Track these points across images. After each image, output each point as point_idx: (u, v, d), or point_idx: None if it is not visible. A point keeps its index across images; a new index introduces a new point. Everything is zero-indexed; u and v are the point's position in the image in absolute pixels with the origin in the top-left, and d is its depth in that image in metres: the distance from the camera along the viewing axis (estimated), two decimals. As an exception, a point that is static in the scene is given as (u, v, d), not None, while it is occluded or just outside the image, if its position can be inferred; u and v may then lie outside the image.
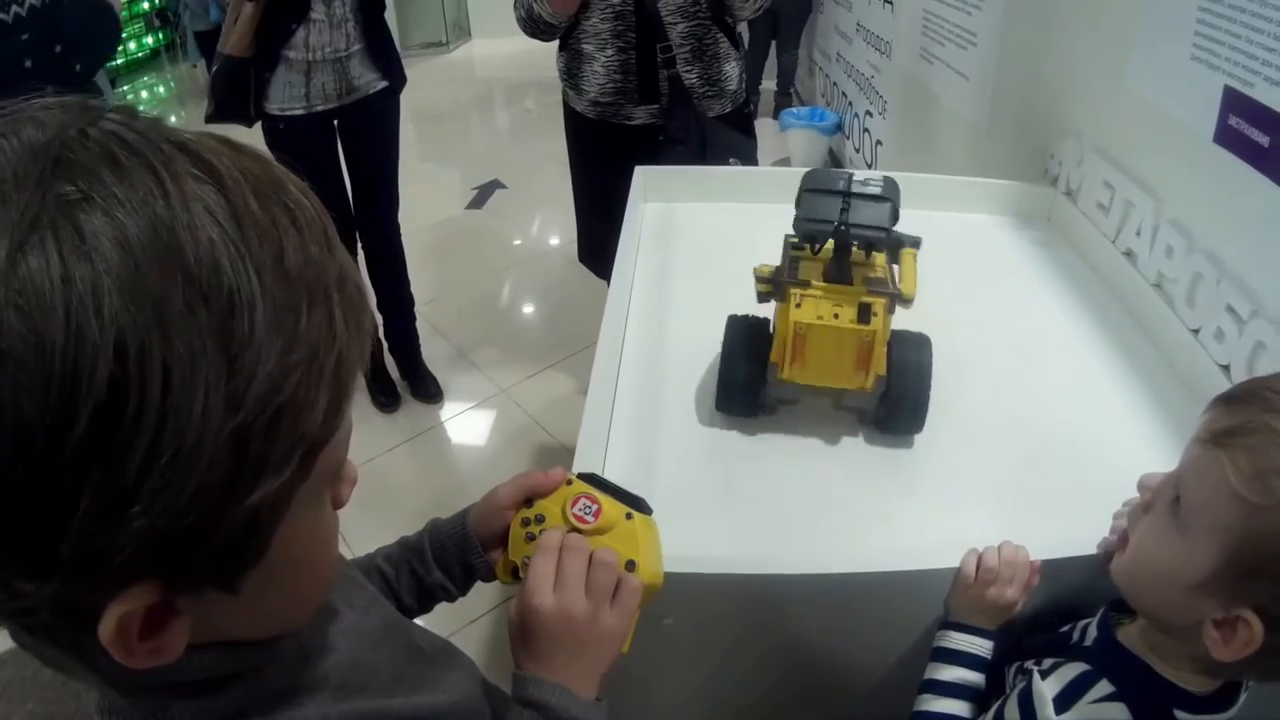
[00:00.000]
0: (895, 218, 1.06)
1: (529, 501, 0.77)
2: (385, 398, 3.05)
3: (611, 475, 0.79)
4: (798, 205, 1.06)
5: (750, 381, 1.11)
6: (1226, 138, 1.20)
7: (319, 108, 2.43)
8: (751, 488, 1.08)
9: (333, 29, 2.34)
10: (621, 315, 1.35)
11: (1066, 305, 1.43)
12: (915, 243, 1.16)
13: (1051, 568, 0.88)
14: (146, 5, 9.71)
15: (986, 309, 1.41)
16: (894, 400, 1.09)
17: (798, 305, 1.03)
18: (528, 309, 3.87)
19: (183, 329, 0.37)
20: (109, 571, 0.38)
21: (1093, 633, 0.82)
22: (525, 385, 3.14)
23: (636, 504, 0.75)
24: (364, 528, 2.57)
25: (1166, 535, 0.71)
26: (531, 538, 0.74)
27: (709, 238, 1.62)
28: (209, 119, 2.44)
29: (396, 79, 2.56)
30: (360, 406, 3.06)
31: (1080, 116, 1.63)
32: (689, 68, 2.15)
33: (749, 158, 2.25)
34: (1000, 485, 1.08)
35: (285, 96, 2.40)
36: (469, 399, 3.10)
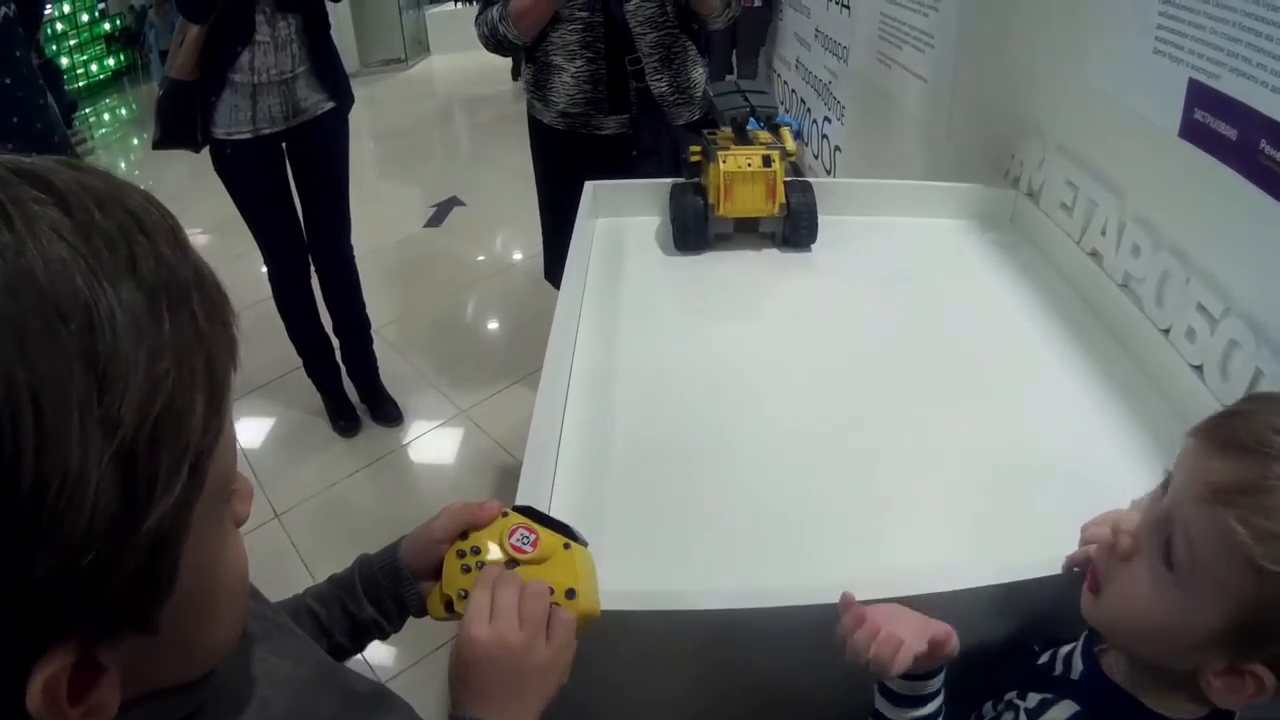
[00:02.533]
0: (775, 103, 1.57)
1: (464, 534, 0.75)
2: (344, 422, 2.99)
3: (559, 504, 0.76)
4: (713, 109, 1.67)
5: (697, 218, 1.57)
6: (1192, 132, 1.16)
7: (266, 131, 2.37)
8: (707, 513, 1.02)
9: (278, 50, 2.29)
10: (569, 338, 1.29)
11: (1032, 309, 1.39)
12: (787, 121, 1.62)
13: (1021, 589, 0.83)
14: (108, 26, 9.64)
15: (949, 317, 1.37)
16: (794, 219, 1.56)
17: (724, 162, 1.52)
18: (488, 327, 3.81)
19: (45, 353, 0.35)
20: (21, 635, 0.37)
21: (1077, 665, 0.77)
22: (486, 405, 3.09)
23: (573, 535, 0.75)
24: (325, 555, 2.55)
25: (1160, 590, 0.65)
26: (467, 570, 0.73)
27: (661, 253, 1.59)
28: (156, 145, 2.38)
29: (344, 99, 2.50)
30: (320, 432, 3.02)
31: (1041, 115, 1.59)
32: (658, 76, 2.15)
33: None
34: (965, 501, 1.02)
35: (231, 120, 2.33)
36: (430, 421, 3.04)
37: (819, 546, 0.97)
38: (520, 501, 0.89)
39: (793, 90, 4.30)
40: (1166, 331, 1.21)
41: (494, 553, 0.73)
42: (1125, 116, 1.32)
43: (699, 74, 2.22)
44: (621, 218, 1.69)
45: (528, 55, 2.21)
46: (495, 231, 4.52)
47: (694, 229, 1.57)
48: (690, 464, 1.08)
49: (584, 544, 0.75)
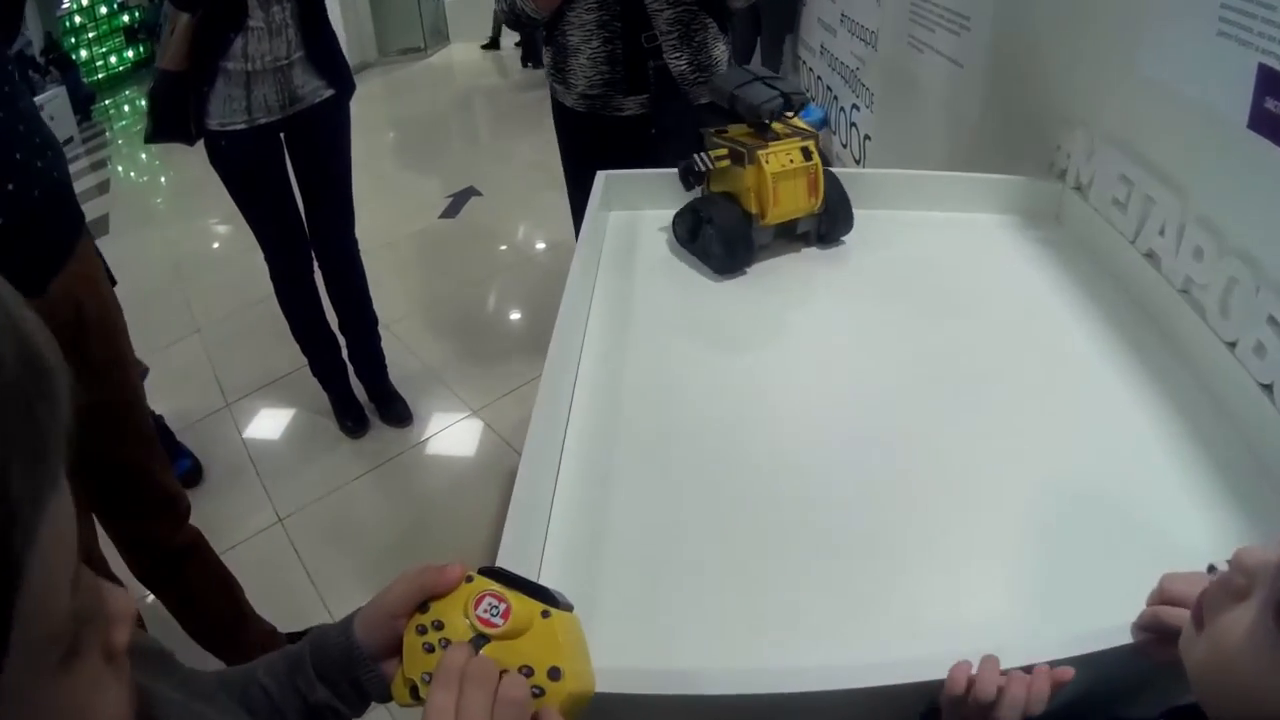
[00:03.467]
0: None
1: (424, 605, 0.64)
2: (351, 422, 2.91)
3: (556, 531, 0.63)
4: (734, 103, 1.39)
5: (745, 235, 1.39)
6: (1263, 123, 1.04)
7: (261, 120, 2.26)
8: (723, 553, 0.90)
9: (272, 36, 2.18)
10: (573, 347, 1.17)
11: (1081, 315, 1.27)
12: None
13: (1079, 663, 0.70)
14: (127, 18, 9.65)
15: (990, 324, 1.25)
16: (831, 213, 1.44)
17: (767, 162, 1.35)
18: (503, 323, 3.68)
19: None
20: None
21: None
22: (498, 405, 2.99)
23: (552, 599, 0.62)
24: (328, 563, 2.45)
25: (1268, 646, 0.54)
26: (430, 648, 0.62)
27: (680, 250, 1.46)
28: (148, 139, 2.29)
29: (344, 86, 2.40)
30: (327, 432, 2.94)
31: (1089, 103, 1.46)
32: (677, 54, 2.09)
33: None
34: (1007, 549, 0.90)
35: (225, 111, 2.23)
36: (439, 421, 2.94)
37: (845, 600, 0.84)
38: (506, 545, 0.78)
39: (818, 77, 4.18)
40: (1232, 345, 1.08)
41: (459, 628, 0.61)
42: (1185, 106, 1.19)
43: (721, 51, 2.15)
44: (636, 210, 1.57)
45: (546, 36, 2.17)
46: (513, 223, 4.41)
47: (744, 247, 1.40)
48: (707, 500, 0.96)
49: (567, 608, 0.63)
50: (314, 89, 2.32)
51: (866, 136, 3.33)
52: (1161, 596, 0.70)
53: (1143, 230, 1.29)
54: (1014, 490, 0.96)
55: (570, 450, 1.02)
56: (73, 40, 9.07)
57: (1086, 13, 1.45)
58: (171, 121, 2.24)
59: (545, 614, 0.61)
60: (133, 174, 6.91)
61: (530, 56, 7.49)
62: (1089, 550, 0.88)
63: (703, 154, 1.43)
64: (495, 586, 0.63)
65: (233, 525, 2.54)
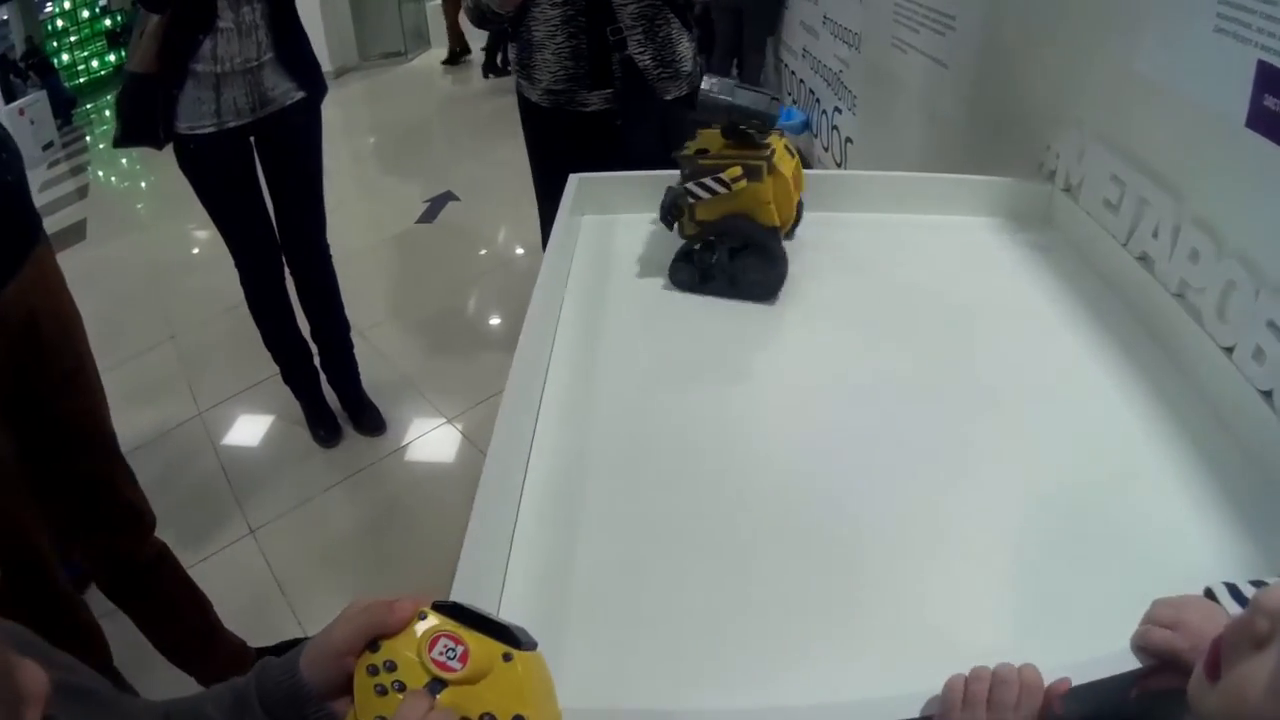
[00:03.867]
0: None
1: (374, 643, 0.57)
2: (324, 431, 2.85)
3: (518, 560, 0.57)
4: (734, 111, 1.28)
5: (782, 251, 1.30)
6: (1262, 121, 1.00)
7: (231, 124, 2.21)
8: (697, 578, 0.84)
9: (242, 37, 2.13)
10: (538, 362, 1.11)
11: (1072, 320, 1.22)
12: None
13: (1075, 693, 0.65)
14: (109, 23, 9.60)
15: (979, 332, 1.20)
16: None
17: (778, 168, 1.27)
18: (478, 330, 3.62)
19: None
20: None
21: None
22: (474, 413, 2.93)
23: (514, 638, 0.56)
24: (299, 575, 2.38)
25: None
26: (383, 690, 0.55)
27: (657, 258, 1.39)
28: (117, 143, 2.23)
29: (315, 89, 2.34)
30: (299, 441, 2.88)
31: (1079, 102, 1.41)
32: (641, 50, 2.07)
33: None
34: (996, 571, 0.84)
35: (194, 113, 2.17)
36: (414, 430, 2.88)
37: (824, 632, 0.79)
38: (462, 577, 0.72)
39: (801, 80, 4.16)
40: (1230, 350, 1.04)
41: (414, 671, 0.55)
42: (1180, 104, 1.14)
43: (686, 48, 2.13)
44: (610, 215, 1.51)
45: (512, 32, 2.15)
46: (490, 228, 4.36)
47: (785, 262, 1.30)
48: (679, 527, 0.90)
49: (530, 646, 0.57)
50: (284, 91, 2.27)
51: (848, 139, 3.30)
52: (1150, 621, 0.66)
53: (1136, 232, 1.25)
54: (1002, 508, 0.91)
55: (534, 474, 0.96)
56: (54, 44, 9.03)
57: (1078, 9, 1.41)
58: (140, 125, 2.19)
59: (507, 657, 0.55)
60: (113, 179, 6.83)
61: (490, 67, 7.44)
62: (1082, 570, 0.83)
63: (697, 183, 1.27)
64: (450, 626, 0.56)
65: (203, 537, 2.48)
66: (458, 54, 8.28)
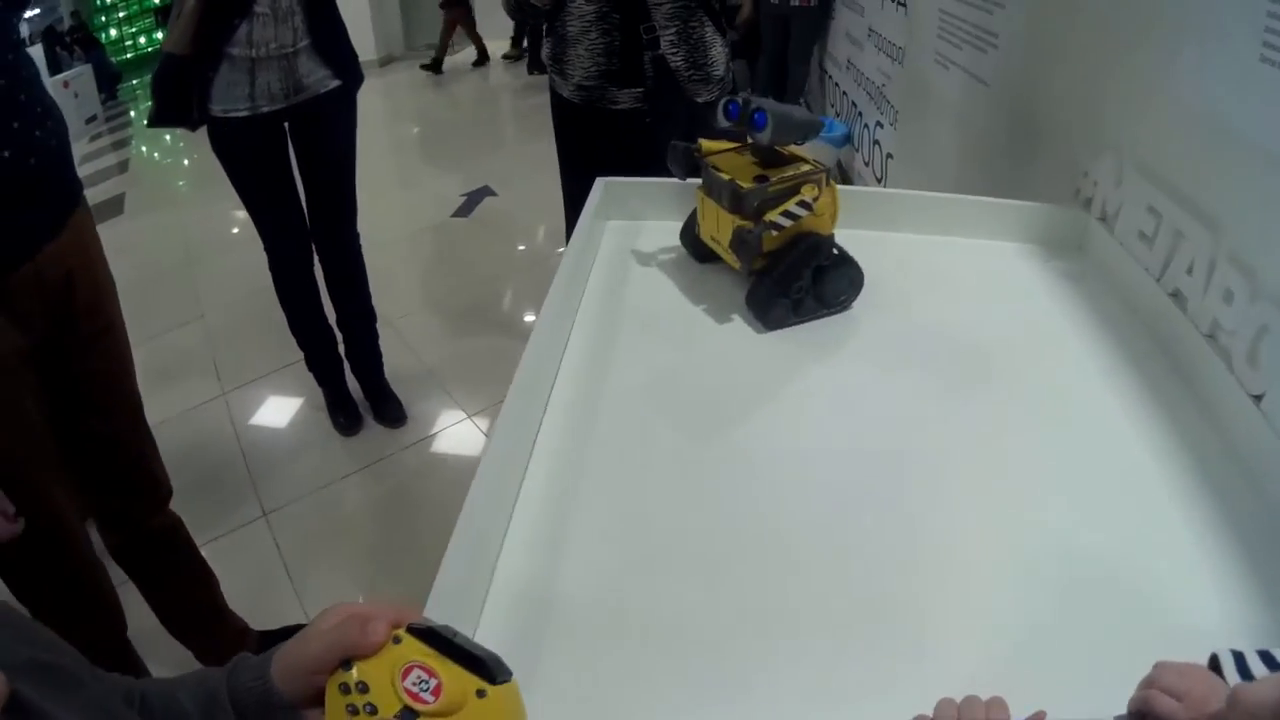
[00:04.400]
0: None
1: (347, 661, 0.56)
2: (345, 419, 2.85)
3: (503, 580, 0.54)
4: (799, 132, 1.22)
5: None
6: (1308, 158, 0.95)
7: (265, 109, 2.21)
8: (693, 616, 0.82)
9: (278, 23, 2.13)
10: (545, 376, 1.08)
11: (1099, 355, 1.18)
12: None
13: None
14: (158, 1, 9.70)
15: (999, 360, 1.17)
16: None
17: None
18: (505, 327, 3.61)
19: None
20: None
21: None
22: (495, 411, 2.90)
23: (489, 671, 0.54)
24: (308, 560, 2.38)
25: None
26: (354, 710, 0.54)
27: (686, 272, 1.37)
28: (150, 123, 2.25)
29: (350, 78, 2.34)
30: (319, 428, 2.88)
31: (1119, 128, 1.37)
32: (674, 50, 2.09)
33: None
34: (1002, 629, 0.79)
35: (229, 97, 2.18)
36: (434, 424, 2.88)
37: (817, 681, 0.75)
38: (441, 590, 0.70)
39: (844, 92, 4.12)
40: (1259, 398, 0.99)
41: (386, 697, 0.54)
42: (1223, 136, 1.10)
43: (718, 52, 2.15)
44: (637, 220, 1.49)
45: (547, 27, 2.18)
46: (526, 225, 4.36)
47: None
48: (675, 560, 0.87)
49: (506, 678, 0.55)
50: (319, 79, 2.27)
51: (889, 155, 3.26)
52: (1155, 686, 0.62)
53: (1169, 266, 1.20)
54: (1009, 545, 0.88)
55: (528, 493, 0.93)
56: (103, 19, 9.12)
57: (1122, 34, 1.37)
58: (174, 106, 2.20)
59: (480, 693, 0.53)
60: (156, 154, 6.91)
61: (535, 64, 7.46)
62: (1091, 630, 0.78)
63: (781, 213, 1.16)
64: (424, 655, 0.55)
65: (217, 517, 2.49)
66: (437, 63, 8.15)
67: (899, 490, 0.95)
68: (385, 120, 6.58)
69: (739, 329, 1.22)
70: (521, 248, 4.23)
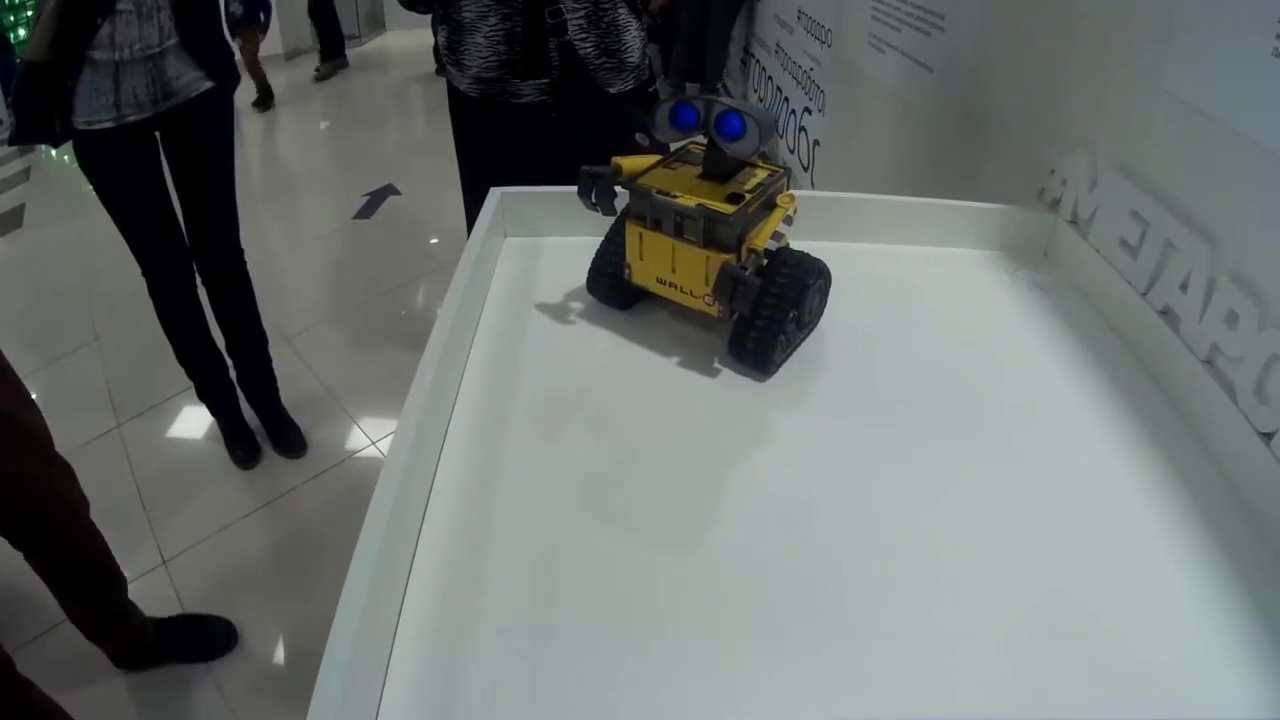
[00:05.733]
0: None
1: None
2: (242, 451, 2.65)
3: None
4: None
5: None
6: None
7: (131, 118, 1.99)
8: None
9: (142, 20, 1.91)
10: (442, 411, 0.87)
11: (1080, 378, 1.01)
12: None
13: None
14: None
15: (960, 390, 0.98)
16: None
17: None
18: (411, 340, 3.37)
19: None
20: None
21: None
22: (400, 438, 2.72)
23: None
24: (213, 611, 2.20)
25: None
26: None
27: (582, 290, 1.14)
28: (12, 140, 2.05)
29: (225, 78, 2.12)
30: (216, 462, 2.67)
31: (1091, 121, 1.21)
32: (583, 36, 1.89)
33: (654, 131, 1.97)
34: (966, 678, 0.64)
35: (92, 106, 1.97)
36: (336, 453, 2.68)
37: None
38: None
39: (769, 77, 3.98)
40: (1268, 436, 0.83)
41: None
42: (1224, 136, 0.94)
43: (633, 38, 1.96)
44: (537, 237, 1.28)
45: (442, 14, 1.96)
46: (433, 226, 4.13)
47: None
48: (597, 654, 0.67)
49: None
50: (190, 81, 2.04)
51: (816, 142, 3.11)
52: None
53: (1158, 281, 1.04)
54: (986, 619, 0.70)
55: (417, 584, 0.73)
56: (11, 19, 8.62)
57: (1093, 14, 1.21)
58: (35, 120, 1.96)
59: None
60: (66, 158, 6.52)
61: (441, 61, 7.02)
62: (1063, 681, 0.65)
63: (773, 238, 0.96)
64: None
65: (117, 565, 2.28)
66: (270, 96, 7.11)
67: (862, 549, 0.76)
68: (288, 118, 6.31)
69: (668, 370, 1.01)
70: (428, 251, 4.01)
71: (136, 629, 2.01)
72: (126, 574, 2.24)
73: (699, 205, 0.93)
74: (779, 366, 1.00)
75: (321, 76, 7.12)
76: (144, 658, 2.08)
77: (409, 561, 0.74)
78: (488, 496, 0.81)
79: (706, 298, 0.97)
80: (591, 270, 1.08)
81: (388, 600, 0.68)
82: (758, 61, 4.42)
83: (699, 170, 1.01)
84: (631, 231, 0.99)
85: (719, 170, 0.99)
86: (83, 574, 1.81)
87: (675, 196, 0.95)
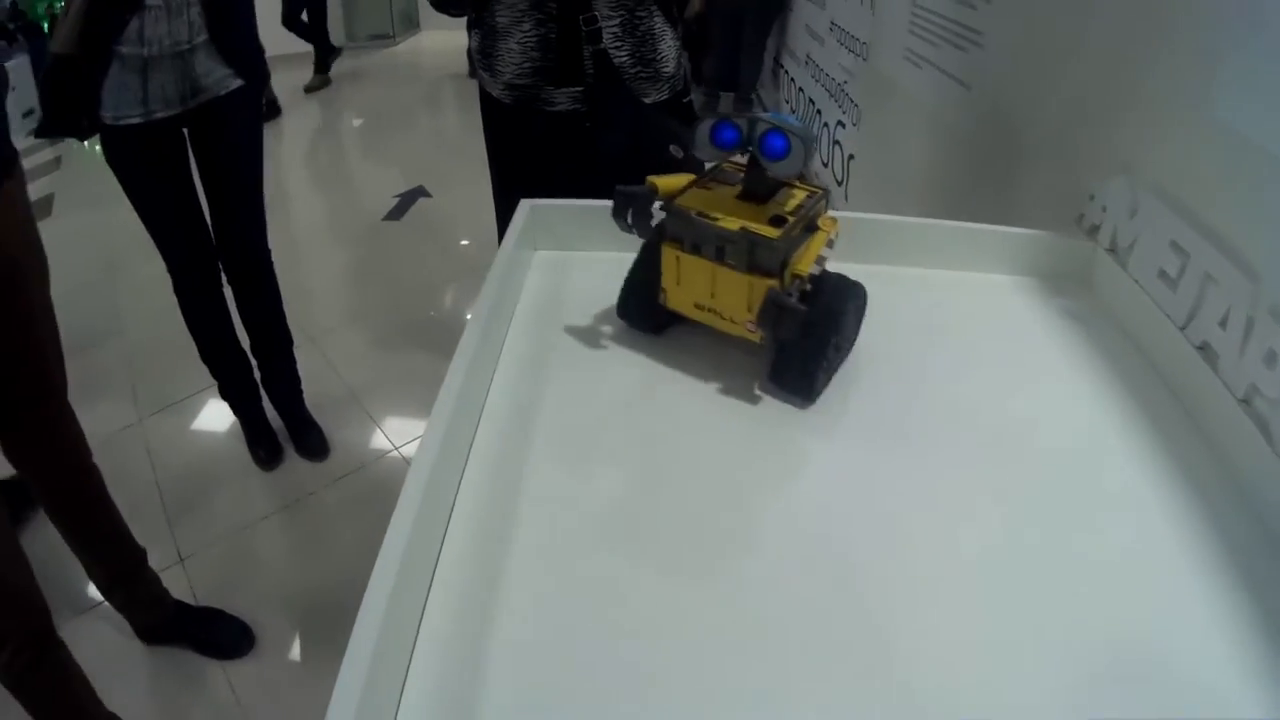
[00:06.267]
0: None
1: None
2: (264, 452, 2.64)
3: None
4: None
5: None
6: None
7: (159, 114, 1.99)
8: None
9: (171, 16, 1.91)
10: (465, 429, 0.86)
11: (1115, 413, 0.98)
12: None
13: None
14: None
15: (991, 416, 0.96)
16: None
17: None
18: (437, 344, 3.36)
19: None
20: None
21: None
22: (424, 444, 2.70)
23: None
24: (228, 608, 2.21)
25: None
26: None
27: (613, 308, 1.11)
28: (38, 133, 2.07)
29: (254, 77, 2.12)
30: (238, 461, 2.66)
31: (1136, 148, 1.18)
32: (618, 44, 1.86)
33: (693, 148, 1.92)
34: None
35: (120, 101, 1.97)
36: (359, 456, 2.66)
37: None
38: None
39: (800, 89, 3.95)
40: (1309, 481, 0.79)
41: None
42: (1271, 166, 0.91)
43: (668, 47, 1.93)
44: (567, 251, 1.26)
45: (475, 18, 1.93)
46: (462, 229, 4.12)
47: None
48: (609, 676, 0.66)
49: None
50: (219, 79, 2.04)
51: (851, 156, 3.08)
52: None
53: (1197, 315, 1.01)
54: (1015, 665, 0.66)
55: (437, 601, 0.71)
56: (40, 9, 8.69)
57: (1140, 35, 1.18)
58: (62, 113, 1.97)
59: None
60: (97, 149, 6.56)
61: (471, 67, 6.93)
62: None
63: (796, 274, 0.92)
64: None
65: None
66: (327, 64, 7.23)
67: (898, 581, 0.74)
68: (322, 116, 6.32)
69: (701, 391, 0.99)
70: (457, 254, 3.99)
71: (156, 596, 2.09)
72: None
73: (742, 229, 0.89)
74: (820, 393, 0.97)
75: (311, 88, 6.96)
76: (164, 629, 2.12)
77: (429, 576, 0.73)
78: (511, 513, 0.80)
79: (749, 324, 0.93)
80: (622, 294, 1.05)
81: (410, 603, 0.67)
82: (787, 72, 4.40)
83: (736, 189, 0.97)
84: (668, 254, 0.96)
85: (759, 190, 0.96)
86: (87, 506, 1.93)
87: (716, 219, 0.91)
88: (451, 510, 0.81)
